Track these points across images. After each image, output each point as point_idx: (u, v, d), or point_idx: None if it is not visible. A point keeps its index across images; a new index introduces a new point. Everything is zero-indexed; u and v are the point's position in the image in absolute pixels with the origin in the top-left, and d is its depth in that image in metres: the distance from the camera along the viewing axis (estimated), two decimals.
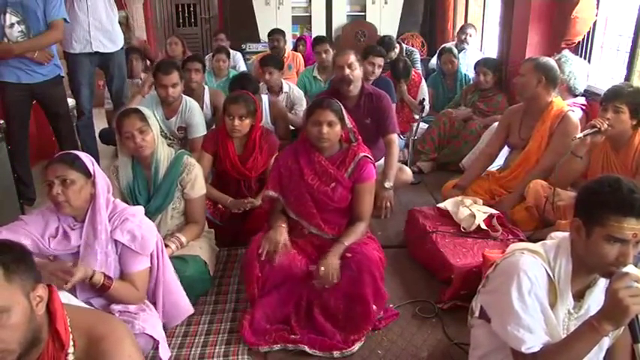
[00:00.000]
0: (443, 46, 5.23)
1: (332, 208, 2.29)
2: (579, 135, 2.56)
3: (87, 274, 1.81)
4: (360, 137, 2.34)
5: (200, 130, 3.42)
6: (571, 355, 1.37)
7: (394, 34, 6.43)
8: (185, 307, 2.19)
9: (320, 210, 2.28)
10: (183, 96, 3.42)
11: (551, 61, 3.02)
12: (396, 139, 3.25)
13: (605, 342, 1.50)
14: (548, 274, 1.44)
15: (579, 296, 1.48)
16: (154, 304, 2.05)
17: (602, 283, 1.47)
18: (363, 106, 3.22)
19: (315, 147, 2.28)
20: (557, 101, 3.00)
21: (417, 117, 4.64)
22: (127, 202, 2.27)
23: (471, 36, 5.26)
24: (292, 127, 4.02)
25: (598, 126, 2.48)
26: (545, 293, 1.44)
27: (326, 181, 2.27)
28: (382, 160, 3.30)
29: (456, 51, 4.83)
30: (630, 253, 1.34)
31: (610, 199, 1.33)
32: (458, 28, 5.66)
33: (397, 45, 5.38)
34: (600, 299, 1.42)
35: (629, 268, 1.36)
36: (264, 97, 3.73)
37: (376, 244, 2.33)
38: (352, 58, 3.14)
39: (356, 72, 3.15)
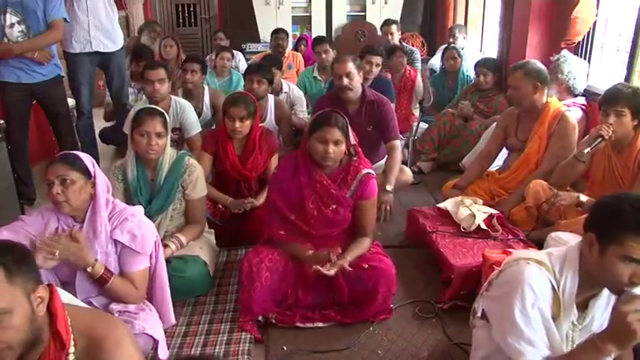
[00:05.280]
0: (447, 44, 5.23)
1: (332, 230, 2.27)
2: (587, 150, 2.53)
3: (87, 259, 1.81)
4: (360, 150, 2.29)
5: (195, 127, 3.41)
6: None
7: None
8: (168, 314, 2.14)
9: (320, 232, 2.27)
10: (172, 97, 3.41)
11: (537, 63, 3.00)
12: (399, 145, 3.22)
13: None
14: (553, 286, 1.42)
15: (583, 307, 1.47)
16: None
17: (606, 293, 1.45)
18: (365, 113, 3.19)
19: (316, 163, 2.23)
20: (554, 101, 3.00)
21: (416, 113, 4.65)
22: (129, 203, 2.27)
23: (457, 38, 5.24)
24: (293, 128, 4.01)
25: (605, 135, 2.45)
26: (548, 306, 1.42)
27: (326, 202, 2.23)
28: (382, 161, 3.29)
29: (459, 49, 4.82)
30: None
31: (631, 219, 1.29)
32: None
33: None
34: (604, 310, 1.41)
35: (638, 290, 1.34)
36: (270, 97, 3.72)
37: (388, 257, 2.32)
38: (350, 66, 3.09)
39: (355, 80, 3.11)
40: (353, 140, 2.25)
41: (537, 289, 1.40)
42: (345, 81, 3.09)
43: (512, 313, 1.41)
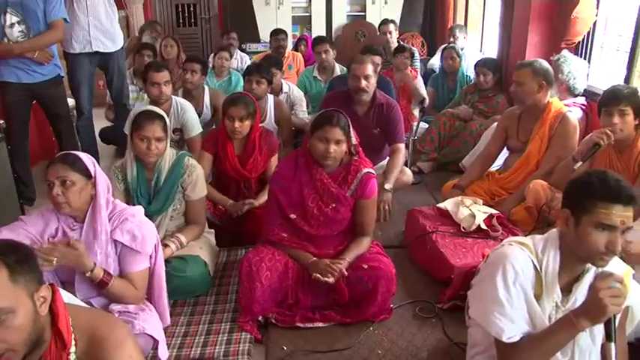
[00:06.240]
0: (446, 44, 5.23)
1: (332, 229, 2.28)
2: (579, 164, 2.53)
3: (86, 264, 1.81)
4: (360, 150, 2.29)
5: (196, 128, 3.41)
6: (548, 347, 1.43)
7: None
8: (164, 314, 2.13)
9: (320, 232, 2.27)
10: (173, 97, 3.41)
11: (544, 63, 2.99)
12: (403, 149, 3.23)
13: (598, 337, 1.52)
14: (535, 266, 1.48)
15: (567, 289, 1.51)
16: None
17: (590, 278, 1.50)
18: (373, 116, 3.18)
19: (317, 162, 2.24)
20: (555, 102, 2.99)
21: (416, 114, 4.65)
22: (129, 203, 2.26)
23: (457, 38, 5.23)
24: (293, 128, 4.01)
25: (601, 143, 2.45)
26: (530, 285, 1.47)
27: (326, 201, 2.23)
28: (384, 162, 3.29)
29: (459, 49, 4.82)
30: (618, 241, 1.39)
31: (598, 187, 1.39)
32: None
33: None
34: (586, 294, 1.44)
35: (614, 269, 1.42)
36: (270, 97, 3.72)
37: (387, 257, 2.32)
38: (370, 69, 3.08)
39: (371, 82, 3.10)
40: (354, 140, 2.25)
41: (518, 267, 1.46)
42: (363, 83, 3.07)
43: (495, 289, 1.46)
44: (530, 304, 1.47)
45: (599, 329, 1.46)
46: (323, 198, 2.23)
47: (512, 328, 1.45)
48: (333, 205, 2.24)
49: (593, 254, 1.42)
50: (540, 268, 1.48)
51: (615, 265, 1.49)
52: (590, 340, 1.51)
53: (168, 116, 3.32)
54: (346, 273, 2.15)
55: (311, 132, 2.22)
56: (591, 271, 1.50)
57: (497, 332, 1.46)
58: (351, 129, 2.23)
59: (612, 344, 1.36)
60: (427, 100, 4.66)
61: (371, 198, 2.29)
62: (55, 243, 1.81)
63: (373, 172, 2.30)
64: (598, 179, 1.40)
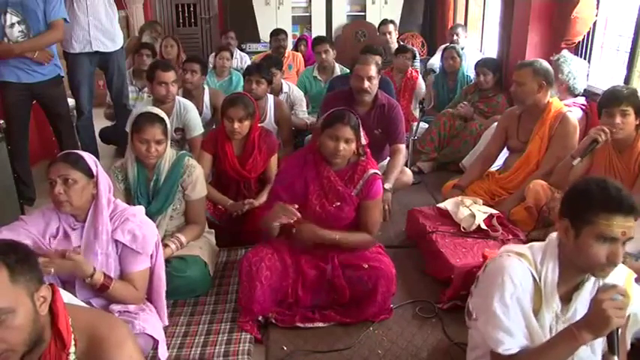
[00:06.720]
0: (447, 44, 5.23)
1: (331, 228, 2.27)
2: (577, 161, 2.54)
3: (85, 271, 1.81)
4: (368, 151, 2.30)
5: (198, 128, 3.40)
6: None
7: None
8: (162, 314, 2.11)
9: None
10: (176, 97, 3.41)
11: (545, 63, 3.00)
12: (403, 149, 3.23)
13: (598, 348, 1.51)
14: (534, 278, 1.45)
15: (567, 299, 1.49)
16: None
17: (590, 286, 1.48)
18: (374, 116, 3.19)
19: (325, 159, 2.25)
20: (555, 102, 3.00)
21: (416, 114, 4.66)
22: (129, 203, 2.27)
23: (458, 36, 5.24)
24: (293, 128, 4.01)
25: (599, 140, 2.46)
26: (529, 297, 1.45)
27: (331, 199, 2.24)
28: (384, 162, 3.29)
29: (459, 49, 4.82)
30: (620, 252, 1.36)
31: (598, 197, 1.35)
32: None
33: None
34: (587, 303, 1.42)
35: (617, 281, 1.40)
36: (270, 97, 3.73)
37: (388, 257, 2.32)
38: (373, 70, 3.08)
39: (374, 83, 3.10)
40: (364, 140, 2.26)
41: (517, 280, 1.44)
42: (366, 84, 3.07)
43: (492, 303, 1.44)
44: (528, 319, 1.45)
45: (599, 340, 1.44)
46: (328, 196, 2.24)
47: (510, 341, 1.43)
48: (338, 204, 2.24)
49: (593, 266, 1.39)
50: (539, 280, 1.45)
51: (616, 271, 1.45)
52: (590, 351, 1.49)
53: (170, 116, 3.34)
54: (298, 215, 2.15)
55: (322, 129, 2.23)
56: (591, 280, 1.48)
57: (495, 344, 1.45)
58: (361, 129, 2.24)
59: (615, 357, 1.34)
60: (432, 101, 4.66)
61: (376, 199, 2.29)
62: (50, 255, 1.79)
63: (379, 173, 2.31)
64: (598, 188, 1.36)
